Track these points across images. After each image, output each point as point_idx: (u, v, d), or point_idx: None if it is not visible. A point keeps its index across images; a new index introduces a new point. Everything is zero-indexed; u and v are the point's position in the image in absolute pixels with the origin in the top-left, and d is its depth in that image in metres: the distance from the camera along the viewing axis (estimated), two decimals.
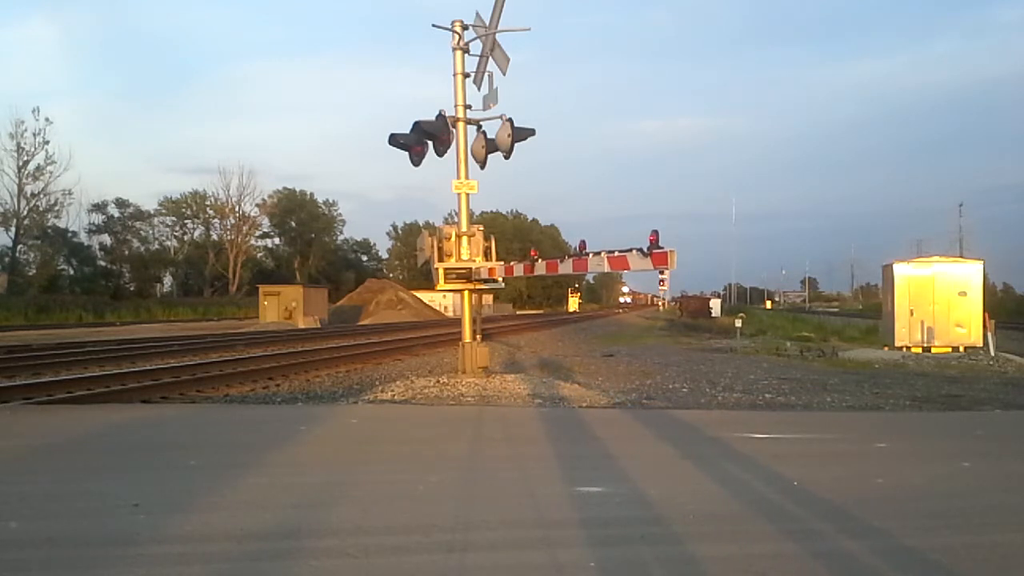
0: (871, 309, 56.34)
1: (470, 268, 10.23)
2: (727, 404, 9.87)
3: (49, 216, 58.82)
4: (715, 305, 58.68)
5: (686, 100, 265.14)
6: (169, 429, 7.24)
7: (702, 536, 3.72)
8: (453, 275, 10.29)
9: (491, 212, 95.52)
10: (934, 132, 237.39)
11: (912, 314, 18.00)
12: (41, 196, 56.62)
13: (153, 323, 41.38)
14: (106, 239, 69.03)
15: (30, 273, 57.60)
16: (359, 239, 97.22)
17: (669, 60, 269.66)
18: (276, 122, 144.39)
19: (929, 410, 9.57)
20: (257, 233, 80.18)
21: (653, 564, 3.32)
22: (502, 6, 9.91)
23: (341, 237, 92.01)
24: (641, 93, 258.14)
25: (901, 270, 18.43)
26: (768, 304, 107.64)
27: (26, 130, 54.30)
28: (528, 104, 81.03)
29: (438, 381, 10.02)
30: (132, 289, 66.80)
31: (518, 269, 9.78)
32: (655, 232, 7.47)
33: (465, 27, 10.29)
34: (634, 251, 7.76)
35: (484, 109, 10.39)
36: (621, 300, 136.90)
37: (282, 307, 37.57)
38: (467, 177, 10.40)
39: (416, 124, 9.92)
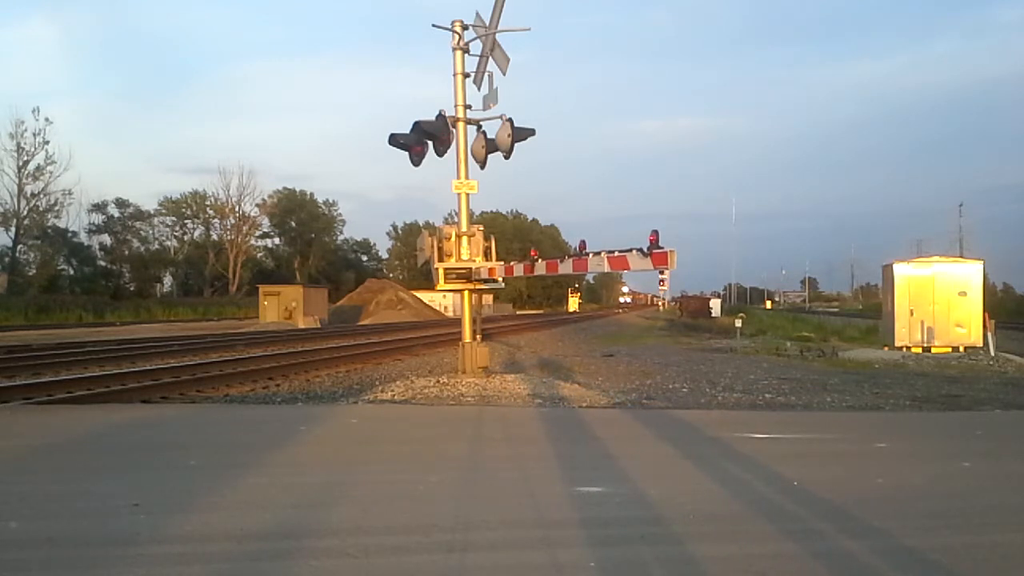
0: (871, 309, 56.34)
1: (470, 268, 10.23)
2: (727, 404, 9.87)
3: (49, 216, 58.94)
4: (715, 305, 58.69)
5: (686, 100, 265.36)
6: (169, 429, 7.24)
7: (702, 536, 3.72)
8: (453, 275, 10.29)
9: (491, 212, 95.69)
10: (934, 132, 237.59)
11: (912, 314, 18.01)
12: (41, 196, 56.75)
13: (153, 323, 41.38)
14: (106, 239, 69.17)
15: (30, 273, 57.62)
16: (359, 239, 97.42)
17: (669, 60, 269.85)
18: (276, 122, 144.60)
19: (929, 410, 9.57)
20: (257, 233, 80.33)
21: (653, 564, 3.32)
22: (502, 6, 9.91)
23: (341, 237, 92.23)
24: (641, 93, 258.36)
25: (901, 270, 18.44)
26: (768, 304, 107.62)
27: (26, 130, 54.44)
28: (528, 104, 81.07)
29: (438, 381, 10.02)
30: (132, 289, 66.81)
31: (518, 269, 9.78)
32: (655, 232, 7.47)
33: (465, 27, 10.29)
34: (634, 251, 7.76)
35: (484, 109, 10.40)
36: (621, 300, 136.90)
37: (282, 307, 37.57)
38: (467, 177, 10.40)
39: (416, 124, 9.92)
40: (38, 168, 55.22)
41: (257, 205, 77.86)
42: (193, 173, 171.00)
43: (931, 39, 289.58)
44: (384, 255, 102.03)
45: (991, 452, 6.23)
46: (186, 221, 76.47)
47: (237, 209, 75.19)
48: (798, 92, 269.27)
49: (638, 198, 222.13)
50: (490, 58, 10.36)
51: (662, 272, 47.03)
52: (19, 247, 56.63)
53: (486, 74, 10.47)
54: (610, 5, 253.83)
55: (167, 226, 75.77)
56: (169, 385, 10.97)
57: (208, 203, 75.62)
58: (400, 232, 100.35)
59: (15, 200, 54.62)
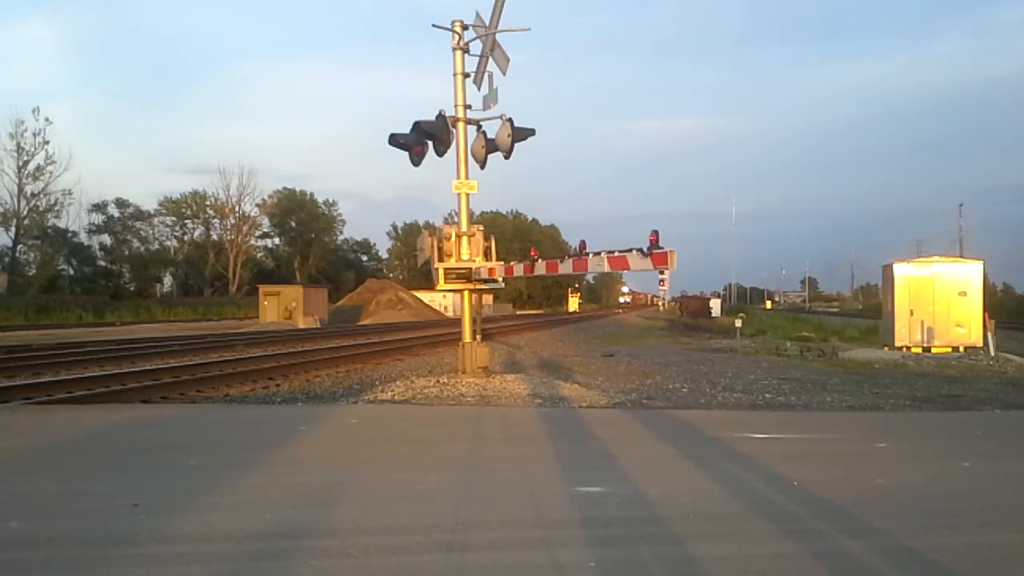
0: (871, 309, 56.34)
1: (470, 268, 10.23)
2: (727, 404, 9.87)
3: (49, 216, 58.94)
4: (715, 305, 58.70)
5: (686, 100, 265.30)
6: (169, 429, 7.24)
7: (702, 536, 3.72)
8: (453, 275, 10.29)
9: (491, 212, 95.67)
10: (934, 132, 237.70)
11: (912, 314, 18.00)
12: (41, 196, 56.75)
13: (153, 323, 41.38)
14: (106, 239, 69.17)
15: (30, 273, 57.62)
16: (359, 239, 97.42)
17: (669, 60, 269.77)
18: (276, 122, 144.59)
19: (929, 410, 9.57)
20: (257, 233, 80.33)
21: (653, 564, 3.32)
22: (502, 6, 9.91)
23: (341, 237, 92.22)
24: (641, 93, 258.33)
25: (901, 270, 18.44)
26: (768, 304, 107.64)
27: (26, 130, 54.44)
28: (528, 104, 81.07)
29: (438, 381, 10.02)
30: (132, 289, 66.80)
31: (518, 269, 9.78)
32: (655, 232, 7.47)
33: (465, 27, 10.29)
34: (634, 251, 7.76)
35: (484, 109, 10.40)
36: (621, 300, 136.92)
37: (282, 307, 37.57)
38: (467, 177, 10.40)
39: (416, 124, 9.92)
40: (38, 168, 55.34)
41: (257, 205, 78.00)
42: (193, 173, 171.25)
43: (931, 39, 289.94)
44: (384, 255, 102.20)
45: (991, 452, 6.23)
46: (186, 221, 76.55)
47: (237, 209, 75.32)
48: (798, 92, 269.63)
49: (638, 198, 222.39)
50: (490, 58, 10.36)
51: (662, 272, 47.06)
52: (19, 247, 56.69)
53: (486, 74, 10.48)
54: (610, 5, 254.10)
55: (167, 226, 75.90)
56: (169, 385, 10.97)
57: (208, 203, 75.69)
58: (400, 232, 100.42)
59: (15, 200, 54.73)
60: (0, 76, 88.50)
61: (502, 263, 10.30)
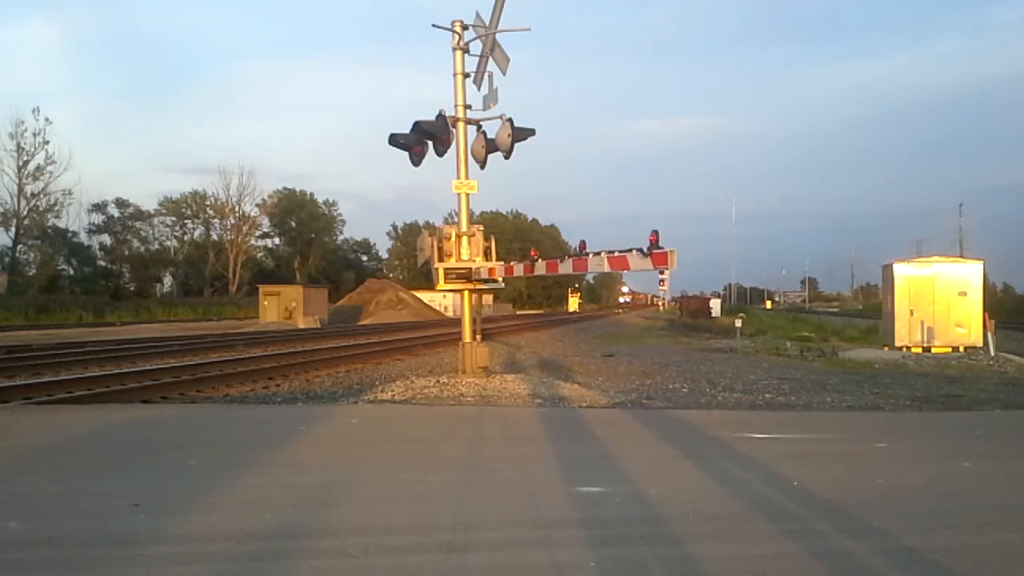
0: (871, 309, 56.34)
1: (470, 268, 10.23)
2: (727, 404, 9.87)
3: (49, 216, 58.93)
4: (715, 305, 58.70)
5: (686, 100, 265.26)
6: (169, 429, 7.24)
7: (702, 536, 3.72)
8: (453, 275, 10.29)
9: (491, 212, 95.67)
10: (934, 132, 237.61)
11: (912, 314, 18.01)
12: (41, 196, 56.75)
13: (153, 323, 41.38)
14: (106, 239, 69.16)
15: (30, 273, 57.62)
16: (359, 239, 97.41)
17: (669, 60, 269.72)
18: (276, 122, 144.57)
19: (929, 410, 9.57)
20: (257, 233, 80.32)
21: (653, 564, 3.32)
22: (502, 6, 9.91)
23: (341, 237, 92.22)
24: (641, 93, 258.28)
25: (901, 270, 18.44)
26: (768, 304, 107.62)
27: (26, 130, 54.44)
28: (528, 104, 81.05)
29: (438, 381, 10.02)
30: (132, 289, 66.80)
31: (518, 269, 9.78)
32: (655, 232, 7.47)
33: (465, 27, 10.29)
34: (634, 251, 7.76)
35: (484, 109, 10.40)
36: (621, 300, 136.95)
37: (282, 307, 37.57)
38: (467, 177, 10.40)
39: (416, 124, 9.92)
40: (38, 168, 55.33)
41: (257, 205, 77.99)
42: (193, 173, 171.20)
43: (931, 39, 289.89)
44: (384, 255, 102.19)
45: (991, 452, 6.23)
46: (186, 221, 76.54)
47: (237, 209, 75.31)
48: (798, 92, 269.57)
49: (638, 198, 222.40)
50: (490, 58, 10.36)
51: (662, 272, 47.06)
52: (19, 247, 56.68)
53: (486, 74, 10.48)
54: (610, 5, 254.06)
55: (167, 226, 75.89)
56: (169, 385, 10.97)
57: (208, 203, 75.69)
58: (400, 232, 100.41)
59: (15, 200, 54.73)
60: (0, 76, 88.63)
61: (502, 263, 10.30)
